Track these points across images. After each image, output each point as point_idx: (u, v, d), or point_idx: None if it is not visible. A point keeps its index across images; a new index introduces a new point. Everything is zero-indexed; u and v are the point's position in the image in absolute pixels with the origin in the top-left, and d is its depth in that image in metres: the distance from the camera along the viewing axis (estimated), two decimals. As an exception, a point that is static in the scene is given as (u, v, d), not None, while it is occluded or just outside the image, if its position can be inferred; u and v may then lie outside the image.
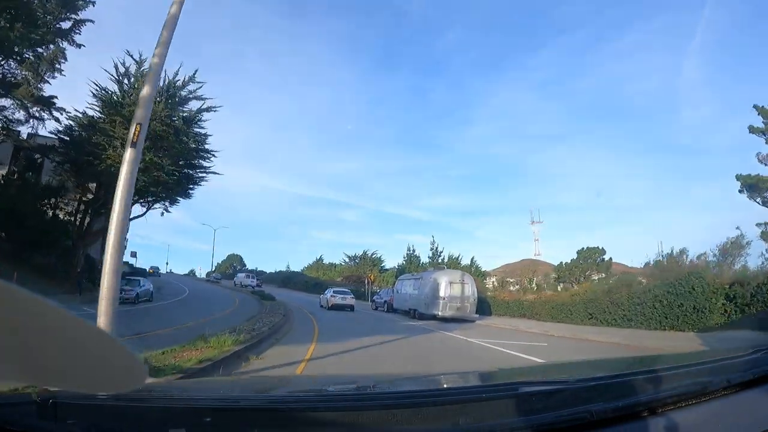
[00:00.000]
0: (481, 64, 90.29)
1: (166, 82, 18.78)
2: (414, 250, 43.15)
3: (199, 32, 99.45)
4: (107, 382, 0.65)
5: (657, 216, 59.64)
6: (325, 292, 25.40)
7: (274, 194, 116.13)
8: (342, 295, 23.54)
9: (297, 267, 62.50)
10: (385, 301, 25.02)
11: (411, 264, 40.40)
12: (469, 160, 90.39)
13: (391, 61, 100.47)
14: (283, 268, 63.91)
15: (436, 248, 39.96)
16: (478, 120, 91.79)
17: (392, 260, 52.44)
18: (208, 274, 59.00)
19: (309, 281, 49.99)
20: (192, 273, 69.68)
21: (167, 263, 74.67)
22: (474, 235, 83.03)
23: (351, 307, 22.90)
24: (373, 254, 51.29)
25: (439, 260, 37.26)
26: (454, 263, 36.90)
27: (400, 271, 39.68)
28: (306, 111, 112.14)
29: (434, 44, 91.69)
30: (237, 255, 72.55)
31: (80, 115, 19.71)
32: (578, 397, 1.05)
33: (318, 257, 62.28)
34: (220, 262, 78.50)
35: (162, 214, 22.76)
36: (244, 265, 70.35)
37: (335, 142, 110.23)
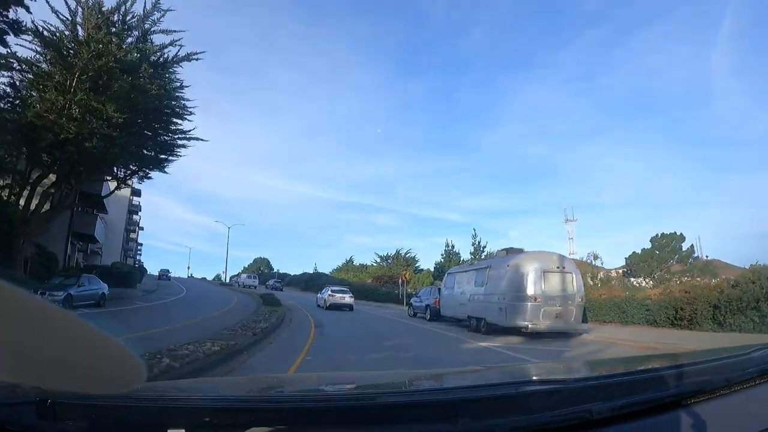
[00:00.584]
0: (508, 62, 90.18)
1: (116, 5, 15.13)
2: (453, 246, 38.75)
3: (223, 38, 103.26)
4: (106, 381, 0.67)
5: (692, 212, 59.99)
6: (322, 291, 24.31)
7: (306, 199, 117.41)
8: (341, 294, 22.54)
9: (326, 269, 59.08)
10: (428, 306, 18.22)
11: (450, 262, 35.46)
12: (499, 160, 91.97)
13: (417, 63, 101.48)
14: (310, 270, 60.29)
15: (479, 243, 35.12)
16: (507, 119, 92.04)
17: (426, 263, 49.88)
18: (213, 278, 57.57)
19: (336, 284, 44.94)
20: (218, 277, 68.66)
21: (188, 267, 75.75)
22: (507, 235, 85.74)
23: (350, 307, 21.99)
24: (406, 253, 46.69)
25: (483, 257, 32.18)
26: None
27: (438, 269, 36.30)
28: (335, 116, 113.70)
29: (459, 44, 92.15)
30: (264, 258, 71.15)
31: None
32: (577, 397, 1.05)
33: (348, 258, 58.13)
34: (246, 265, 76.70)
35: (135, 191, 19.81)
36: (272, 269, 68.60)
37: (366, 146, 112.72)
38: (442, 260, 37.92)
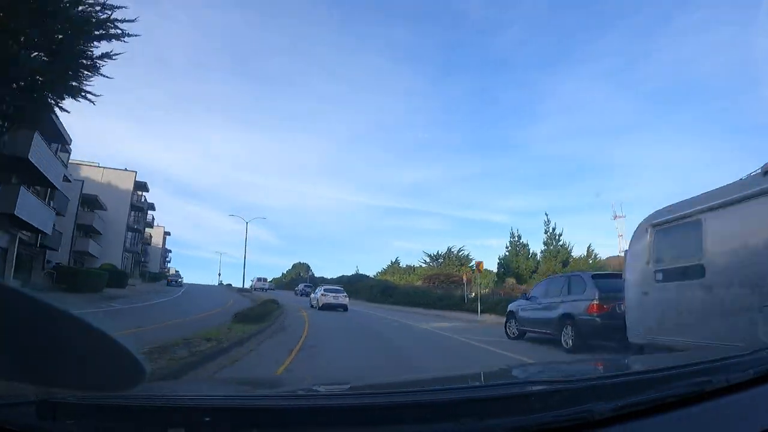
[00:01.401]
0: (545, 58, 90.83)
1: None
2: (520, 237, 32.03)
3: (263, 52, 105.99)
4: (107, 381, 0.68)
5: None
6: (316, 291, 24.52)
7: (350, 206, 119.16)
8: (334, 293, 22.08)
9: (371, 273, 53.30)
10: (567, 317, 8.67)
11: (518, 256, 30.97)
12: (543, 158, 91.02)
13: (456, 65, 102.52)
14: (351, 273, 54.02)
15: (553, 230, 30.02)
16: (549, 116, 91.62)
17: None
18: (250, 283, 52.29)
19: (375, 286, 38.95)
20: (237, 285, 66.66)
21: (219, 274, 76.39)
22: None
23: (344, 307, 21.40)
24: (459, 251, 40.44)
25: (559, 246, 29.49)
26: (564, 252, 29.11)
27: (504, 266, 31.33)
28: (378, 123, 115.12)
29: (496, 43, 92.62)
30: (303, 263, 67.19)
31: None
32: (579, 397, 1.05)
33: (394, 260, 52.24)
34: (285, 271, 74.97)
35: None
36: (311, 274, 66.20)
37: (409, 152, 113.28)
38: (507, 254, 31.84)
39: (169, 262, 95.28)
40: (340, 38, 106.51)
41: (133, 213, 48.27)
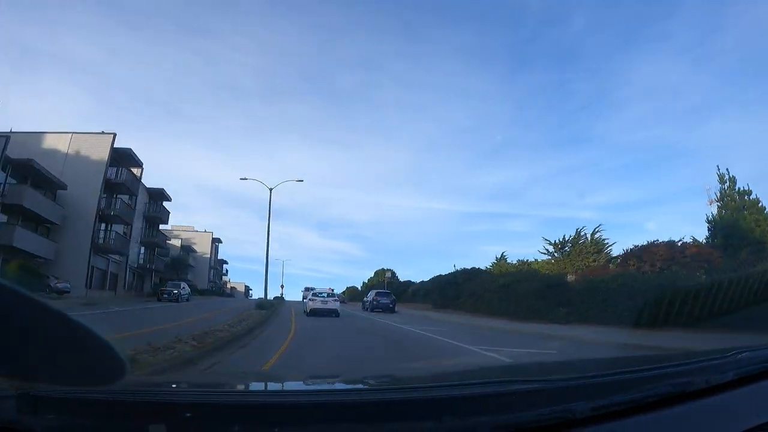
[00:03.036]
0: (614, 43, 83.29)
1: None
2: (734, 182, 21.67)
3: (333, 70, 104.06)
4: (88, 376, 0.67)
5: None
6: (307, 297, 24.49)
7: (434, 214, 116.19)
8: (322, 298, 20.72)
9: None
10: None
11: (743, 212, 20.24)
12: (625, 148, 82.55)
13: (524, 62, 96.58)
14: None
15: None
16: (627, 102, 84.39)
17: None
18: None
19: (521, 283, 22.56)
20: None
21: (282, 286, 73.84)
22: (645, 227, 79.01)
23: (336, 313, 19.64)
24: (596, 232, 28.50)
25: None
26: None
27: (724, 231, 19.62)
28: (453, 129, 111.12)
29: (561, 33, 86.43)
30: (387, 269, 58.71)
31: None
32: (560, 396, 1.06)
33: (500, 255, 38.62)
34: (366, 280, 64.90)
35: None
36: (390, 277, 60.19)
37: (488, 154, 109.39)
38: (725, 213, 21.19)
39: (225, 274, 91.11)
40: (406, 47, 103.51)
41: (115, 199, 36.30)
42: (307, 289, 36.89)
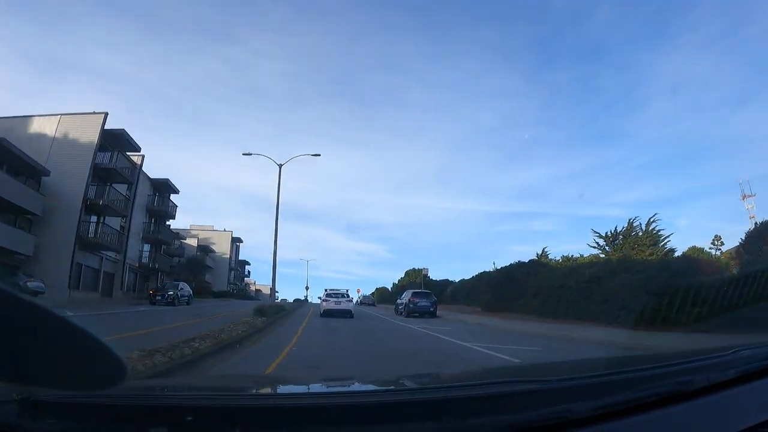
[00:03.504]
0: (640, 35, 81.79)
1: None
2: None
3: (358, 68, 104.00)
4: (89, 380, 0.67)
5: None
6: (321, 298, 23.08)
7: (461, 214, 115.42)
8: (335, 299, 20.43)
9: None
10: None
11: None
12: (654, 144, 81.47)
13: (549, 59, 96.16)
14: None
15: None
16: (655, 97, 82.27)
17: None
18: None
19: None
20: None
21: (307, 288, 70.49)
22: (675, 225, 77.03)
23: (349, 314, 19.56)
24: (652, 221, 24.99)
25: None
26: None
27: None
28: (480, 128, 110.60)
29: (586, 29, 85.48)
30: (418, 269, 53.61)
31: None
32: (559, 396, 1.07)
33: (540, 251, 32.74)
34: (397, 280, 60.03)
35: None
36: (425, 276, 56.12)
37: (515, 154, 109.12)
38: None
39: (248, 276, 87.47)
40: (429, 47, 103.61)
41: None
42: (330, 294, 34.18)
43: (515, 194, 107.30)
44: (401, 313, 23.82)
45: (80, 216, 26.84)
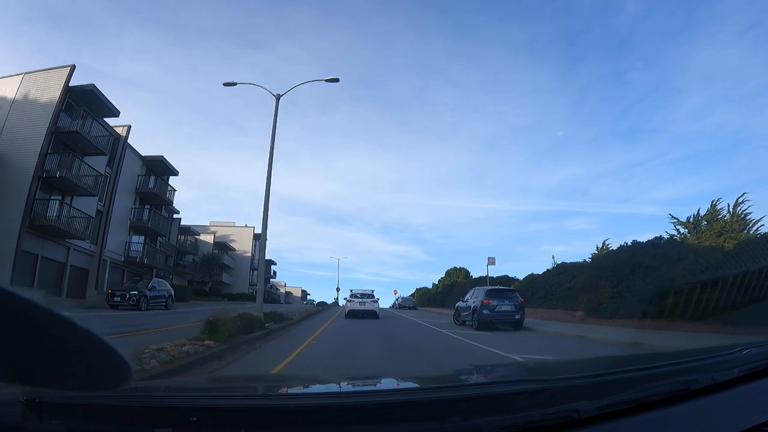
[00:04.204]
0: (669, 28, 79.49)
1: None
2: None
3: (388, 70, 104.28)
4: (94, 381, 0.67)
5: None
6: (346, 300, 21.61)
7: (494, 214, 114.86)
8: (360, 300, 19.83)
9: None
10: None
11: None
12: (689, 138, 78.37)
13: (578, 55, 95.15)
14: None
15: None
16: (687, 90, 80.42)
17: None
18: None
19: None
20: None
21: (338, 289, 65.42)
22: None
23: (374, 314, 19.04)
24: (740, 202, 18.93)
25: None
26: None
27: None
28: (511, 127, 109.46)
29: (614, 23, 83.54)
30: (461, 268, 47.40)
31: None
32: (564, 396, 1.06)
33: (602, 242, 26.28)
34: (437, 280, 52.03)
35: None
36: (470, 277, 47.06)
37: (546, 152, 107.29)
38: None
39: (273, 276, 78.49)
40: (457, 47, 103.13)
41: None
42: (354, 296, 25.76)
43: (549, 193, 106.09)
44: (466, 323, 15.65)
45: (32, 191, 20.33)
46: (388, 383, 1.70)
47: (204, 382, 2.67)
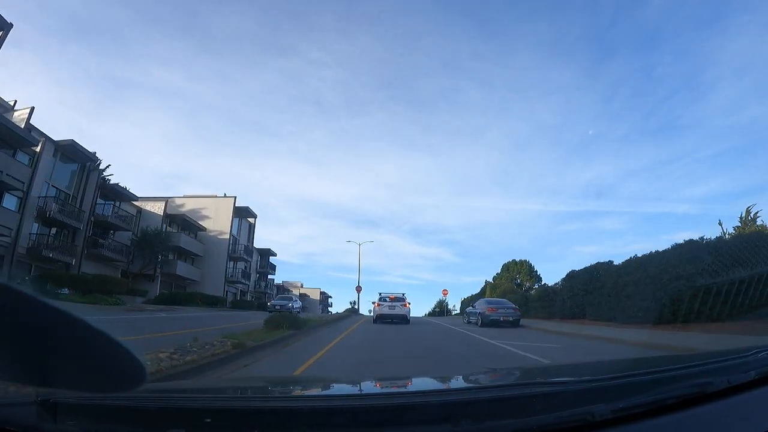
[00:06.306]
0: (698, 20, 75.47)
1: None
2: None
3: (414, 71, 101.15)
4: (108, 382, 0.67)
5: None
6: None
7: (524, 215, 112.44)
8: (389, 303, 19.02)
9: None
10: None
11: None
12: (722, 133, 76.12)
13: (606, 50, 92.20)
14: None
15: None
16: (719, 83, 77.07)
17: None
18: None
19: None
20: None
21: (358, 288, 51.31)
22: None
23: (405, 319, 18.55)
24: None
25: None
26: None
27: None
28: (540, 126, 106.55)
29: (642, 15, 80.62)
30: (523, 261, 43.32)
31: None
32: (579, 398, 1.05)
33: (742, 214, 20.01)
34: (494, 276, 44.54)
35: None
36: (534, 272, 44.06)
37: (576, 151, 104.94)
38: None
39: (272, 273, 61.48)
40: (483, 46, 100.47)
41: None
42: (384, 299, 21.95)
43: (578, 192, 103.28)
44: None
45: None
46: (401, 385, 1.69)
47: (218, 383, 2.66)
